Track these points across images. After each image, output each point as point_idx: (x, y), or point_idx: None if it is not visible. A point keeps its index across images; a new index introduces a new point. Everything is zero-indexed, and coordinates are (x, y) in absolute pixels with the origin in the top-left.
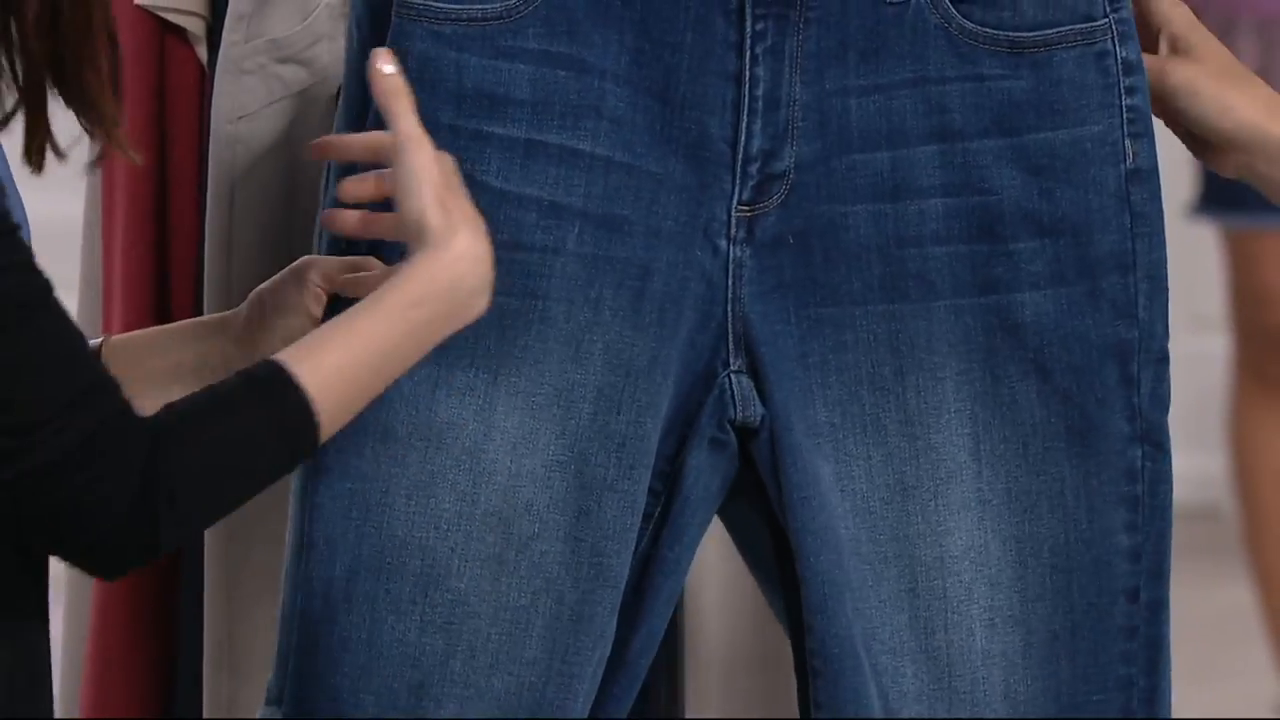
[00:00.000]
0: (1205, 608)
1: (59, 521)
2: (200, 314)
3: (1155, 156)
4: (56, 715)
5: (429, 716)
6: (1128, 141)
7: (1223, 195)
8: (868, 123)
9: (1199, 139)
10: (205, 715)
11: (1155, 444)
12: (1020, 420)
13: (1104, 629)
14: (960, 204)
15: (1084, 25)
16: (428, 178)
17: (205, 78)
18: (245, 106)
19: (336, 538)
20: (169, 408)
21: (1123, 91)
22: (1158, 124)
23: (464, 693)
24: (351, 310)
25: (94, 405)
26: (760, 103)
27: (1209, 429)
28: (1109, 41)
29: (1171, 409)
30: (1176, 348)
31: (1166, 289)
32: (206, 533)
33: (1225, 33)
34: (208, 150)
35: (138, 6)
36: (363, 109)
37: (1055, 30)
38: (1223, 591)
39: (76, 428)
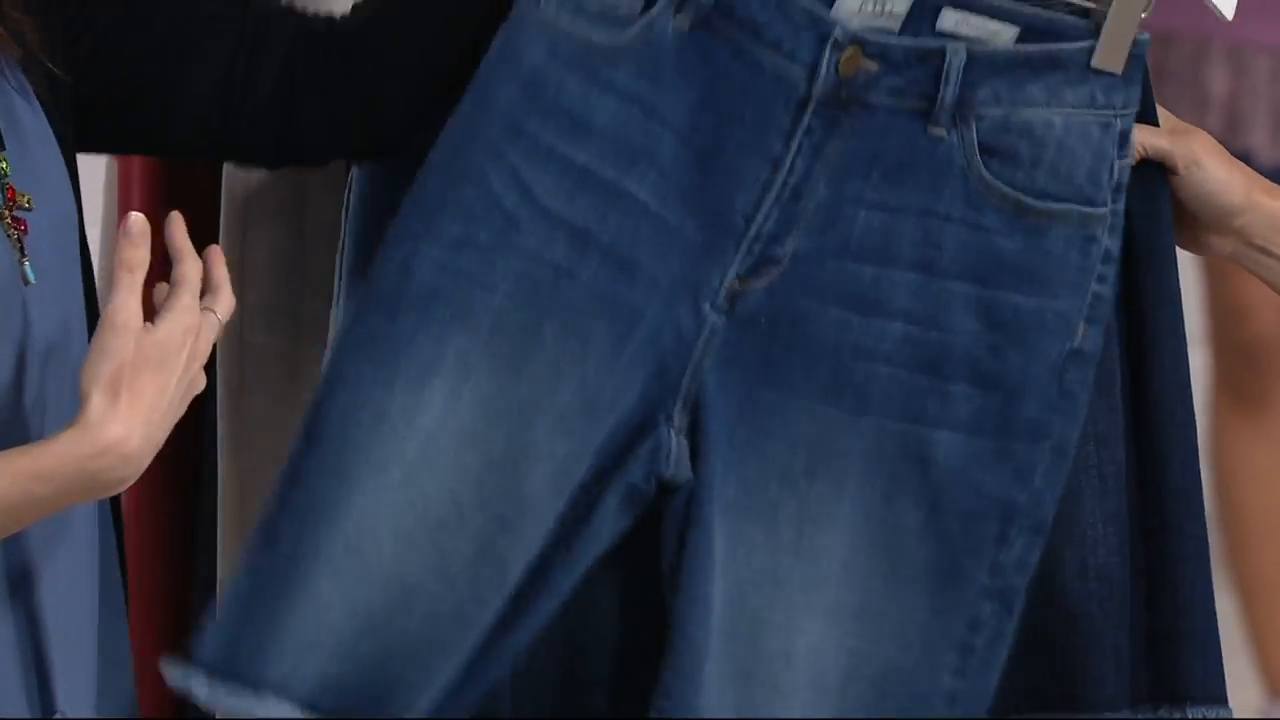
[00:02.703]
0: None
1: None
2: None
3: (1100, 347)
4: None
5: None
6: (1083, 324)
7: None
8: (867, 236)
9: (1185, 224)
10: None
11: (1005, 605)
12: (896, 546)
13: None
14: (918, 333)
15: (1085, 209)
16: (112, 357)
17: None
18: None
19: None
20: None
21: (1096, 278)
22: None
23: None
24: None
25: None
26: (787, 190)
27: None
28: (1101, 230)
29: None
30: None
31: (1068, 461)
32: (219, 556)
33: (1196, 60)
34: (221, 166)
35: None
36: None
37: (1060, 205)
38: None
39: None
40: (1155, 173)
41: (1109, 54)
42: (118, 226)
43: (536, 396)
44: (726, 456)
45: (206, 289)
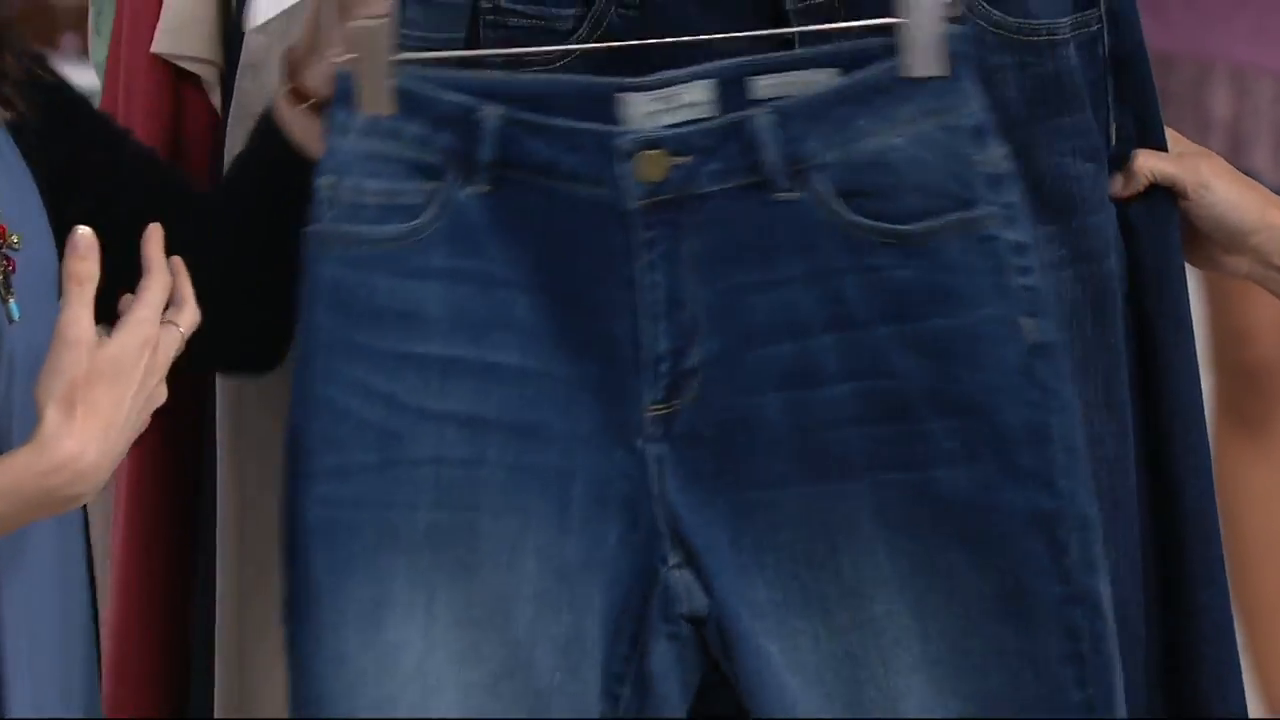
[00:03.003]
0: None
1: None
2: None
3: (1058, 335)
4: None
5: None
6: (1025, 319)
7: None
8: (769, 316)
9: (1199, 244)
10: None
11: (1093, 606)
12: (956, 587)
13: None
14: (868, 387)
15: (966, 213)
16: (65, 372)
17: (219, 124)
18: None
19: None
20: None
21: (1017, 271)
22: None
23: None
24: None
25: None
26: (662, 305)
27: None
28: (995, 226)
29: None
30: None
31: (1082, 458)
32: (219, 557)
33: (1198, 82)
34: (220, 170)
35: (153, 55)
36: None
37: (938, 219)
38: None
39: None
40: (1162, 197)
41: (921, 60)
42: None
43: (508, 589)
44: (739, 567)
45: (171, 302)
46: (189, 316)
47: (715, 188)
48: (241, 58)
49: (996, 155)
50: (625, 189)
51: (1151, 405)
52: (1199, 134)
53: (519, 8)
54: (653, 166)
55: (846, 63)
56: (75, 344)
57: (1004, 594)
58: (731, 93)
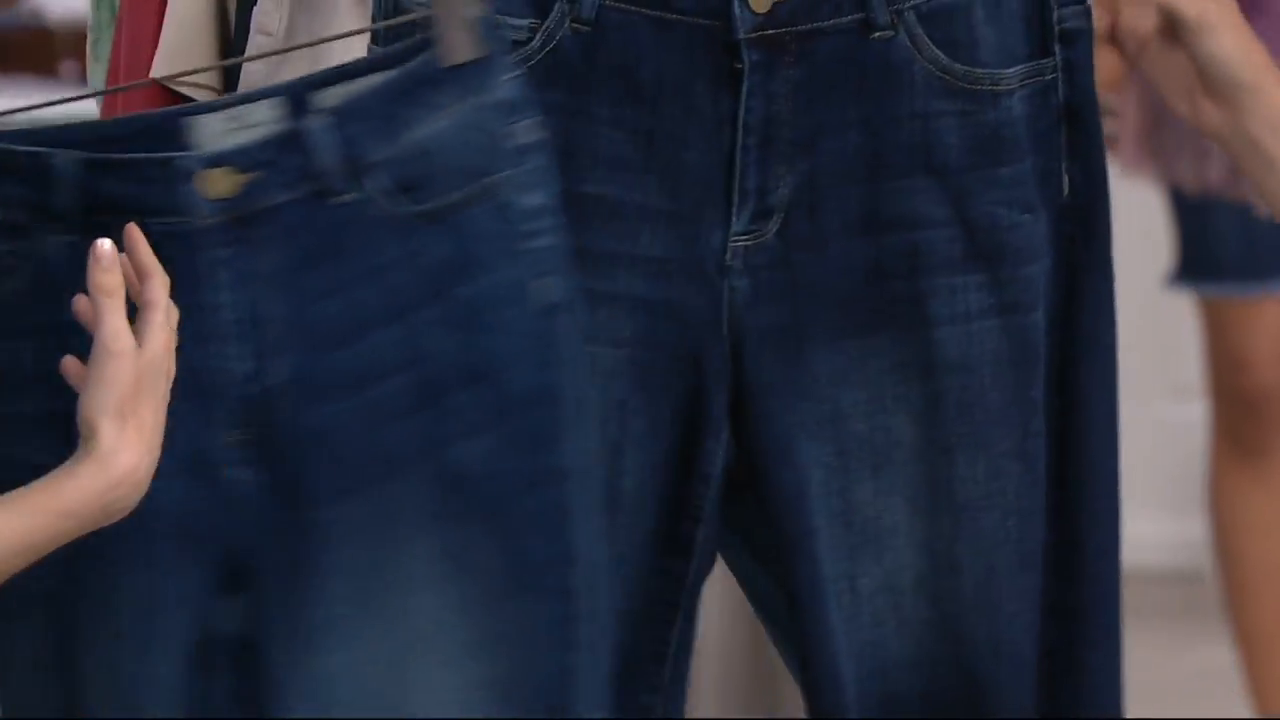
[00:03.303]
0: (1187, 669)
1: None
2: None
3: (564, 290)
4: None
5: None
6: (536, 282)
7: (1199, 264)
8: (335, 321)
9: (1183, 84)
10: None
11: (587, 565)
12: (480, 565)
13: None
14: (417, 374)
15: (486, 180)
16: (115, 385)
17: None
18: None
19: None
20: None
21: (524, 236)
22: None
23: None
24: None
25: None
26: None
27: (1191, 494)
28: (509, 194)
29: (1154, 475)
30: (1158, 416)
31: (590, 414)
32: None
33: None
34: None
35: (153, 80)
36: None
37: (459, 193)
38: (1205, 653)
39: None
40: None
41: (454, 47)
42: None
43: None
44: (293, 589)
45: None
46: (175, 313)
47: (283, 199)
48: (240, 82)
49: (523, 126)
50: (193, 209)
51: (1067, 459)
52: (1197, 160)
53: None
54: (220, 183)
55: (404, 61)
56: (121, 355)
57: (520, 565)
58: (300, 107)
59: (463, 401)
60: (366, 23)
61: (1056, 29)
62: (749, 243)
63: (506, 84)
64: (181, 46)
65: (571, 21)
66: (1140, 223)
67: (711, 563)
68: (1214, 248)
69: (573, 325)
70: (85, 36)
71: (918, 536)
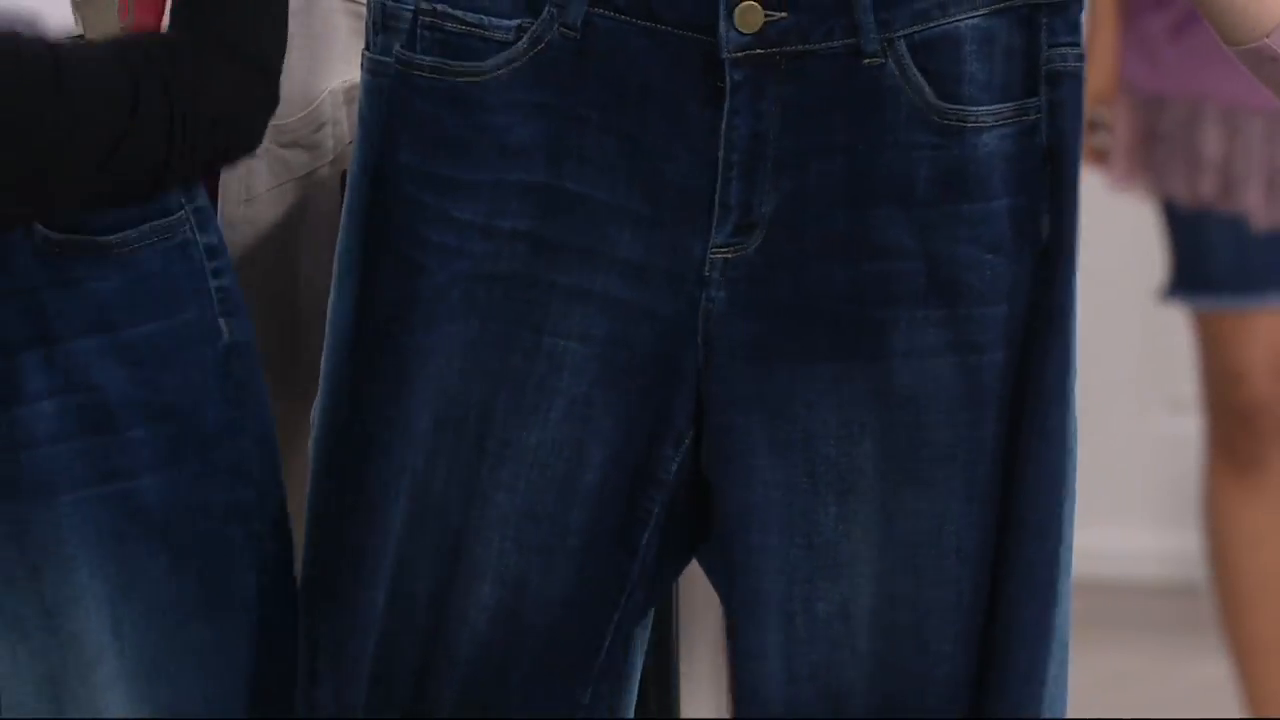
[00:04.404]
0: (1183, 682)
1: None
2: None
3: (251, 332)
4: None
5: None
6: (222, 321)
7: (1193, 278)
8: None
9: None
10: None
11: (298, 593)
12: (155, 593)
13: None
14: (70, 401)
15: (161, 221)
16: None
17: None
18: (252, 189)
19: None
20: None
21: (210, 275)
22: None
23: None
24: None
25: None
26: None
27: (1186, 507)
28: (187, 233)
29: (1149, 488)
30: (1153, 429)
31: (275, 447)
32: None
33: (1190, 120)
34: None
35: None
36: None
37: (135, 230)
38: (1200, 666)
39: None
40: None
41: None
42: None
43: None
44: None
45: None
46: None
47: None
48: None
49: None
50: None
51: (1010, 504)
52: (1190, 174)
53: (457, 13)
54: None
55: None
56: None
57: (205, 593)
58: None
59: (142, 435)
60: (360, 25)
61: (1044, 69)
62: (729, 255)
63: None
64: None
65: (560, 26)
66: (1134, 236)
67: (665, 567)
68: (1207, 261)
69: (255, 363)
70: None
71: (873, 567)
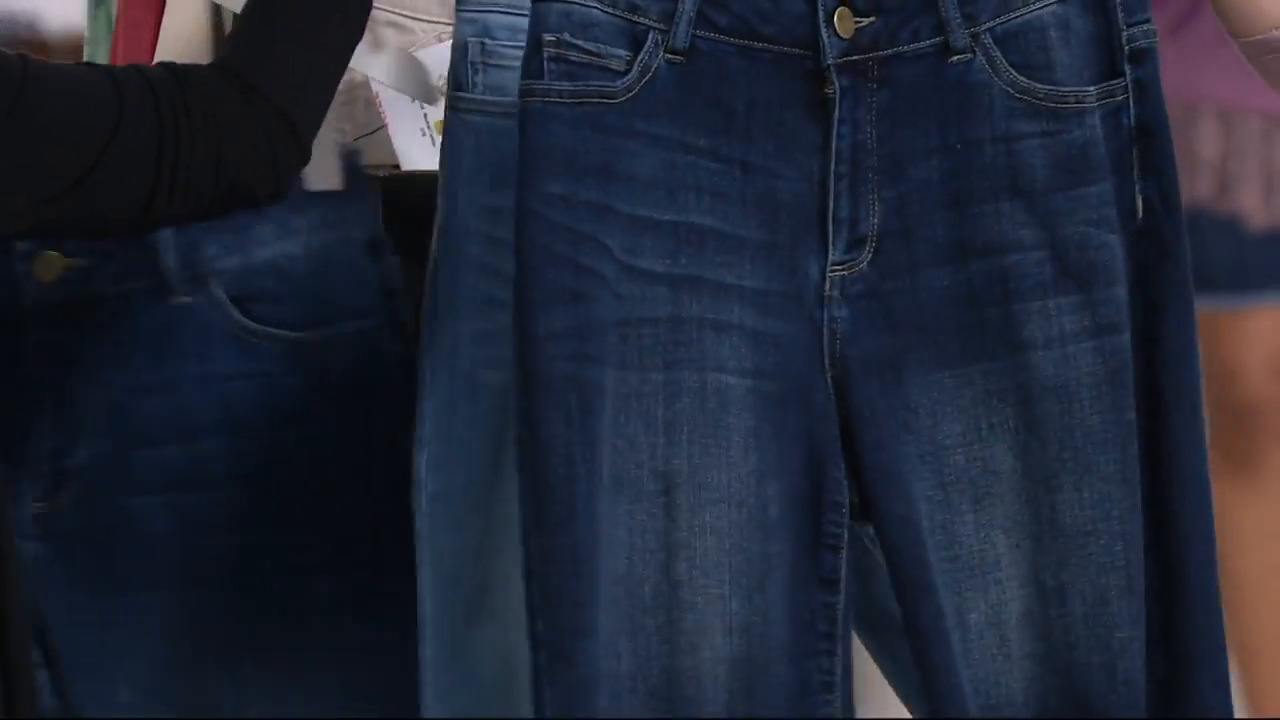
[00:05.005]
0: None
1: None
2: None
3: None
4: None
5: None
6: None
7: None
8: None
9: None
10: None
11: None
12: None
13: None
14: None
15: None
16: None
17: None
18: None
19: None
20: None
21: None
22: None
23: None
24: None
25: None
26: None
27: None
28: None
29: None
30: None
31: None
32: None
33: (1187, 122)
34: None
35: None
36: None
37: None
38: None
39: None
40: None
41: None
42: None
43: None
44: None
45: None
46: None
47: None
48: None
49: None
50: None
51: (1160, 482)
52: (1186, 174)
53: (580, 43)
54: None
55: None
56: None
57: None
58: None
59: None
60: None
61: (1126, 48)
62: (845, 272)
63: None
64: (178, 58)
65: (666, 52)
66: None
67: (854, 591)
68: (1203, 261)
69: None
70: (82, 47)
71: (1022, 569)
